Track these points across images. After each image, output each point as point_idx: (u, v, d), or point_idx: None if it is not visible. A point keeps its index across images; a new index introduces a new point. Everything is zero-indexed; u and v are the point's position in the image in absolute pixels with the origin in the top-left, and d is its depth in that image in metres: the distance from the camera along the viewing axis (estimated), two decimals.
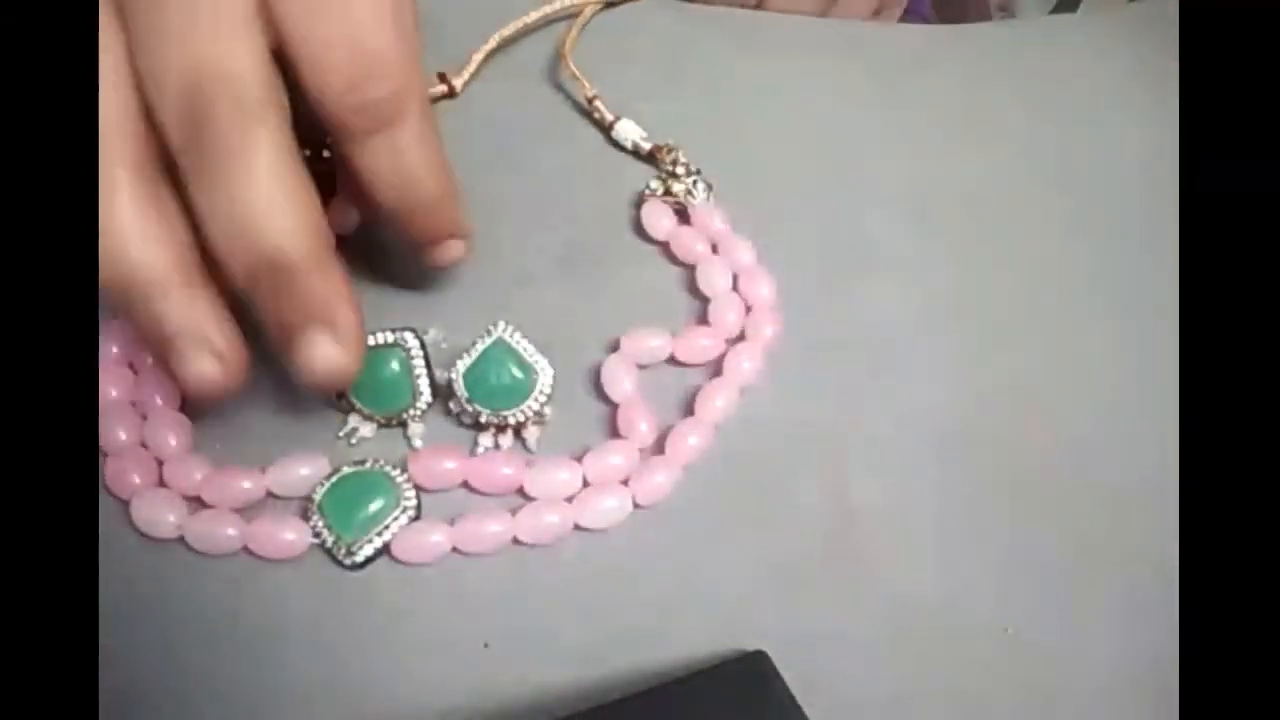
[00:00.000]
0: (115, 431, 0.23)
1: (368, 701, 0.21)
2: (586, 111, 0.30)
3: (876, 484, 0.24)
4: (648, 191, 0.28)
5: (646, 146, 0.29)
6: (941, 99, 0.32)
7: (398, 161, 0.21)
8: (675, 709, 0.20)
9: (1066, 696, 0.22)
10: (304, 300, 0.20)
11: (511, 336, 0.24)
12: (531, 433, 0.24)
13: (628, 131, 0.29)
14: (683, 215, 0.28)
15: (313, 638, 0.22)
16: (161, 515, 0.22)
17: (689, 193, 0.28)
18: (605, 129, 0.29)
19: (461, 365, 0.24)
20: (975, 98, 0.32)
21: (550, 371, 0.24)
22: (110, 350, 0.24)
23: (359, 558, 0.22)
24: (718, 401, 0.25)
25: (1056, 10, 0.36)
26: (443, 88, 0.30)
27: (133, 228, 0.19)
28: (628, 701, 0.20)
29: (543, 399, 0.24)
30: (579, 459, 0.24)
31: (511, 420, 0.24)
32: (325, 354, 0.20)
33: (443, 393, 0.24)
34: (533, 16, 0.31)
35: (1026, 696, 0.22)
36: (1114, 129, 0.32)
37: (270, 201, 0.19)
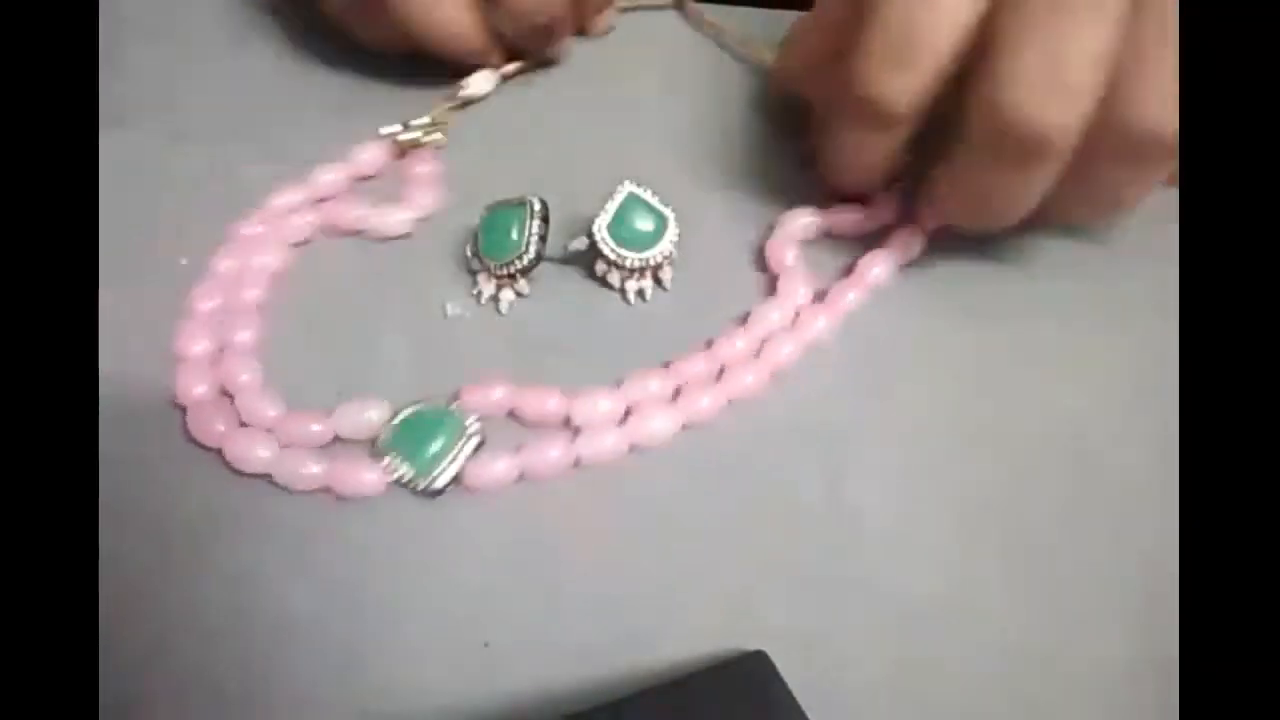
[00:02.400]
0: (192, 386, 0.25)
1: (365, 701, 0.21)
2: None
3: (878, 483, 0.24)
4: None
5: None
6: None
7: None
8: (675, 709, 0.20)
9: (1066, 697, 0.22)
10: None
11: (640, 189, 0.26)
12: (666, 273, 0.27)
13: None
14: None
15: (309, 635, 0.22)
16: (253, 451, 0.24)
17: None
18: None
19: (602, 221, 0.26)
20: None
21: (673, 216, 0.27)
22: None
23: (438, 484, 0.23)
24: (849, 295, 0.27)
25: None
26: None
27: None
28: (628, 701, 0.20)
29: (674, 239, 0.27)
30: (618, 385, 0.25)
31: (652, 261, 0.26)
32: None
33: (580, 258, 0.27)
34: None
35: (1026, 697, 0.22)
36: None
37: None
